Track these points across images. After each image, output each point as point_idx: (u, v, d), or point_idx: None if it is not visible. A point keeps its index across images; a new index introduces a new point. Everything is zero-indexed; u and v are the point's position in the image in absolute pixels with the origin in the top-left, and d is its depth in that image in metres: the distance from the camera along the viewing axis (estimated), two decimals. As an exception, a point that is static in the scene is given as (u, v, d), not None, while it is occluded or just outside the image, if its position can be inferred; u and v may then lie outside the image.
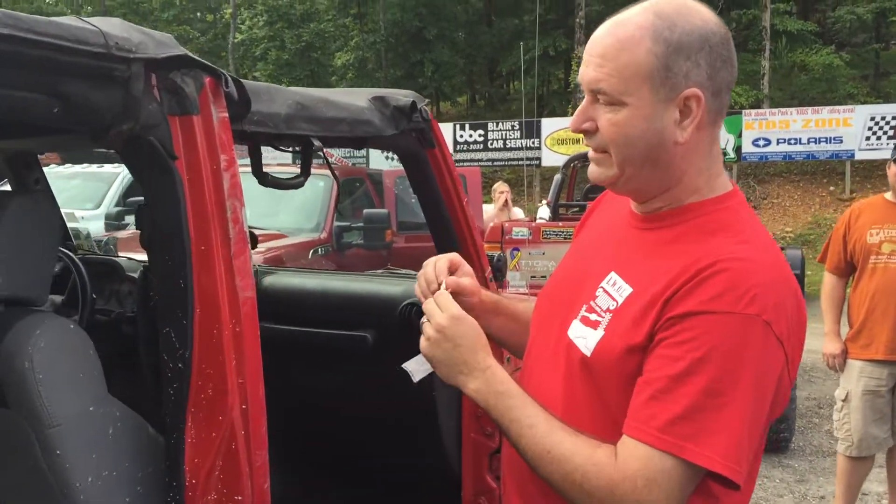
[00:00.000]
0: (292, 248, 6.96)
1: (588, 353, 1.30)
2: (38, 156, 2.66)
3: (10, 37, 1.17)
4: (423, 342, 1.41)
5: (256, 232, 7.25)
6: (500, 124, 19.26)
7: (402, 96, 2.10)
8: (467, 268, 1.61)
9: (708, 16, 1.28)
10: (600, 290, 1.33)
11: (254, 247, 2.89)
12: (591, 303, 1.33)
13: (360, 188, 9.24)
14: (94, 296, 2.59)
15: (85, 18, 1.34)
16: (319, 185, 7.77)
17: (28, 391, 1.36)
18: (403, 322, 2.30)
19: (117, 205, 10.18)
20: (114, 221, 8.65)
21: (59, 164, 11.61)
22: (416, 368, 1.49)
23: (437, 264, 1.56)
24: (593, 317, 1.32)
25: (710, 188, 1.33)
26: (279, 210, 7.60)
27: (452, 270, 1.57)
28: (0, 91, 1.21)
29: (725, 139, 16.66)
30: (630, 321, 1.25)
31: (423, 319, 1.43)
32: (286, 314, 2.47)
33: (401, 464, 2.61)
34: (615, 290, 1.31)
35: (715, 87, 1.28)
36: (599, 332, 1.30)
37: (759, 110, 18.05)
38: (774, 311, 1.18)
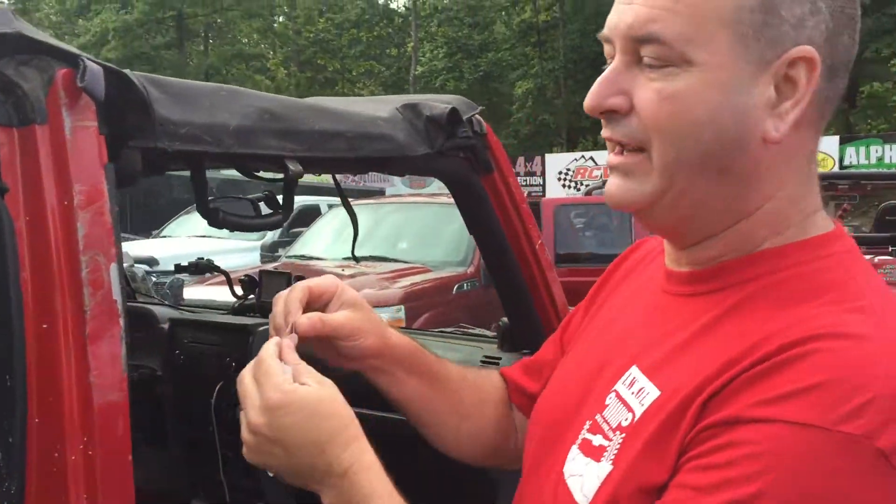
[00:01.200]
0: (435, 283, 6.48)
1: (584, 502, 0.79)
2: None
3: None
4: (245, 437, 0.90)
5: (399, 266, 6.91)
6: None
7: (442, 103, 1.54)
8: (348, 294, 1.04)
9: None
10: (612, 394, 0.83)
11: (230, 285, 2.40)
12: (598, 416, 0.83)
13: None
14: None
15: None
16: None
17: None
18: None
19: (282, 236, 10.20)
20: (268, 253, 8.56)
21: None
22: None
23: (287, 298, 1.00)
24: (598, 440, 0.81)
25: (802, 227, 0.80)
26: (426, 242, 7.19)
27: (316, 301, 1.02)
28: None
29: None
30: (650, 445, 0.75)
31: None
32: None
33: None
34: (634, 394, 0.80)
35: (833, 57, 0.77)
36: (604, 467, 0.78)
37: None
38: None
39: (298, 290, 1.01)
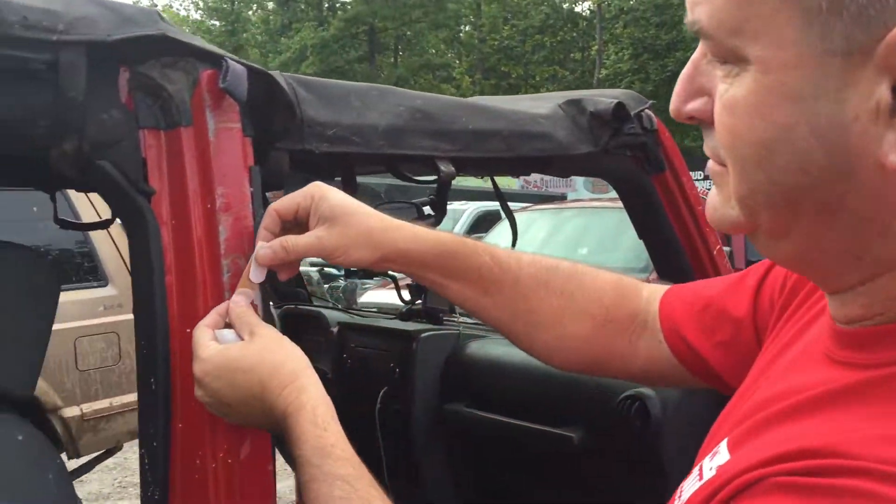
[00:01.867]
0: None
1: None
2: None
3: None
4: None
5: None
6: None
7: (608, 97, 1.43)
8: (325, 205, 0.94)
9: None
10: (699, 465, 0.66)
11: (397, 289, 2.31)
12: (682, 484, 0.67)
13: (705, 224, 8.24)
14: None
15: None
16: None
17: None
18: (621, 421, 1.60)
19: (463, 242, 10.28)
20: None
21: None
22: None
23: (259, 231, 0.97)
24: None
25: None
26: (606, 247, 6.99)
27: (292, 222, 0.96)
28: None
29: None
30: None
31: None
32: (482, 395, 1.88)
33: None
34: (713, 460, 0.64)
35: None
36: None
37: None
38: None
39: (266, 216, 0.95)
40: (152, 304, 0.94)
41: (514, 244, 1.53)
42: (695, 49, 0.62)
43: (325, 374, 2.25)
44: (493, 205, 11.39)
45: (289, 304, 2.54)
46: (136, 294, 0.98)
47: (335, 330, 2.24)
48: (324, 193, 0.94)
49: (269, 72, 1.03)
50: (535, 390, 1.78)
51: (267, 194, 1.08)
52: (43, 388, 3.56)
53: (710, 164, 0.62)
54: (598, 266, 1.05)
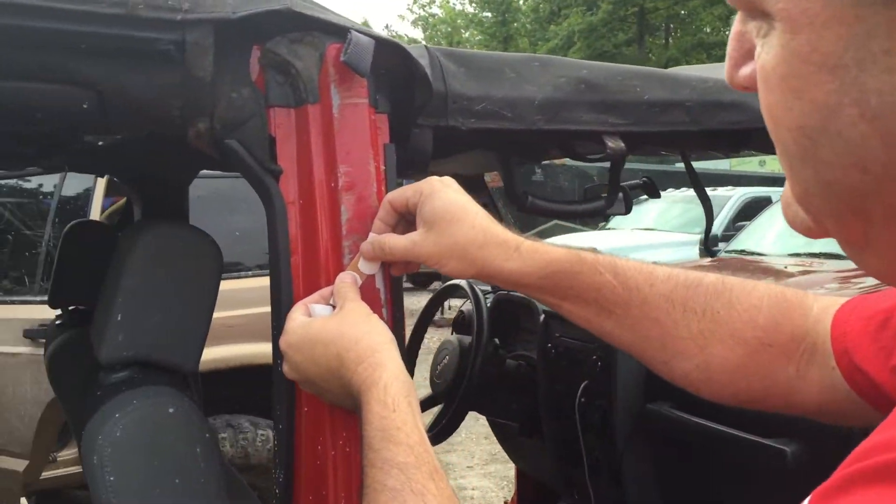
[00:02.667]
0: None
1: None
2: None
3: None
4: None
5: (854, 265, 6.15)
6: None
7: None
8: (427, 208, 0.86)
9: None
10: None
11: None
12: None
13: None
14: (497, 340, 2.18)
15: None
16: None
17: (99, 497, 0.99)
18: (845, 437, 1.38)
19: (727, 230, 9.71)
20: (706, 248, 8.17)
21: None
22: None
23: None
24: None
25: None
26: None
27: (405, 216, 0.90)
28: (12, 83, 0.87)
29: None
30: None
31: None
32: (687, 394, 1.71)
33: None
34: None
35: None
36: None
37: None
38: None
39: (382, 207, 0.90)
40: (280, 285, 0.93)
41: (706, 235, 1.37)
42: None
43: (532, 362, 2.18)
44: (763, 191, 10.65)
45: (502, 290, 2.50)
46: (271, 274, 0.97)
47: (542, 318, 2.16)
48: (433, 192, 0.87)
49: (403, 44, 0.97)
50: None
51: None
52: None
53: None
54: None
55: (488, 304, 2.23)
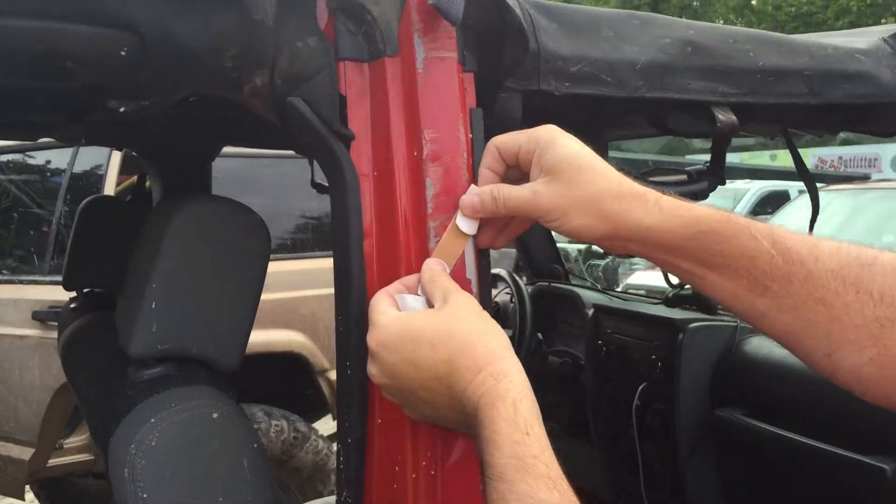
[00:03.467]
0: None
1: None
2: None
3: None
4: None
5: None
6: None
7: (956, 25, 1.07)
8: (549, 155, 0.72)
9: None
10: None
11: (664, 272, 1.97)
12: None
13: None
14: (540, 334, 2.04)
15: None
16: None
17: (127, 507, 0.85)
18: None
19: (746, 221, 9.56)
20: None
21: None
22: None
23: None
24: None
25: None
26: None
27: (514, 166, 0.76)
28: (38, 23, 0.72)
29: None
30: None
31: None
32: (761, 401, 1.56)
33: None
34: None
35: None
36: None
37: None
38: None
39: (487, 153, 0.76)
40: (349, 271, 0.78)
41: (811, 226, 1.22)
42: None
43: (579, 360, 2.04)
44: (781, 184, 10.46)
45: (542, 281, 2.35)
46: (335, 259, 0.82)
47: (590, 312, 2.02)
48: (554, 138, 0.73)
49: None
50: (835, 403, 1.44)
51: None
52: (311, 349, 3.68)
53: None
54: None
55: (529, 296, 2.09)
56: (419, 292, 0.74)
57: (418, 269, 0.77)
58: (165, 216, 0.97)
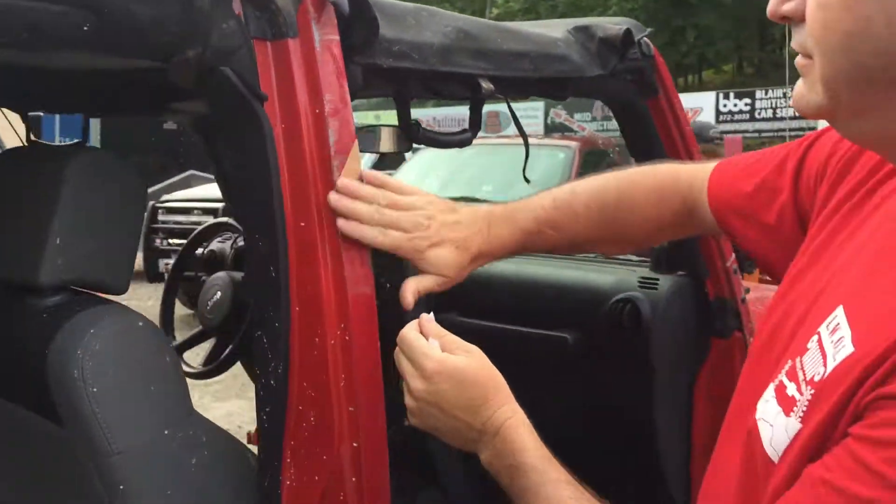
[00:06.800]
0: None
1: (774, 457, 0.73)
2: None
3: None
4: (407, 399, 1.03)
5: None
6: (771, 92, 17.71)
7: (614, 25, 1.57)
8: (428, 258, 1.17)
9: None
10: (815, 337, 0.74)
11: None
12: (798, 360, 0.74)
13: (606, 162, 8.60)
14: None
15: None
16: (559, 156, 7.29)
17: (80, 408, 1.03)
18: (613, 323, 1.79)
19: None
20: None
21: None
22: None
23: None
24: (791, 389, 0.73)
25: None
26: (513, 184, 7.23)
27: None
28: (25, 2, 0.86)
29: None
30: (834, 410, 0.67)
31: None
32: (474, 305, 2.03)
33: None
34: (833, 343, 0.71)
35: None
36: (793, 424, 0.71)
37: None
38: None
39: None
40: (270, 201, 1.04)
41: (524, 170, 1.66)
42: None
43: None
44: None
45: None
46: (247, 193, 1.07)
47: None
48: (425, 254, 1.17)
49: (360, -12, 1.12)
50: (527, 298, 1.95)
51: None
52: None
53: (798, 58, 0.76)
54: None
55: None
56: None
57: (324, 195, 1.05)
58: (57, 166, 1.12)
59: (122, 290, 1.18)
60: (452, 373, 0.99)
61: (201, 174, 11.97)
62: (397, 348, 1.04)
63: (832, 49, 0.69)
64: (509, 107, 1.59)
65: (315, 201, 1.05)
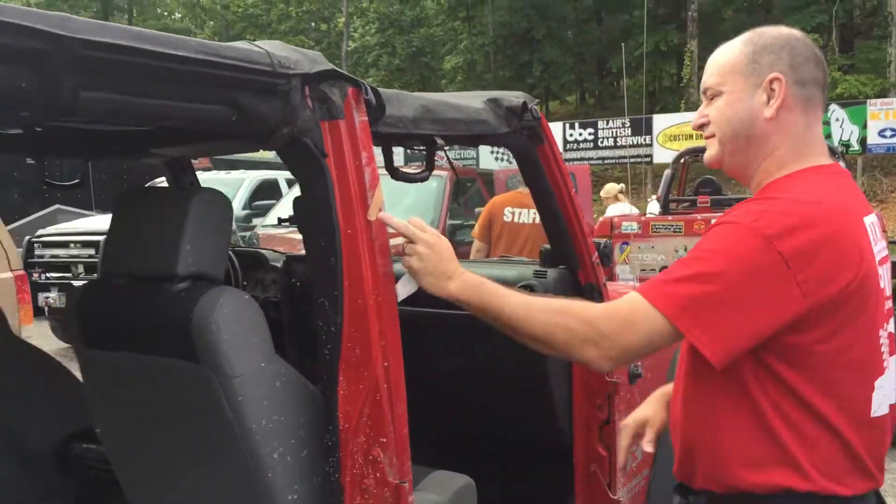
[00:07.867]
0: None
1: None
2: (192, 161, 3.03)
3: (202, 61, 1.47)
4: (412, 260, 1.70)
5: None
6: (611, 122, 19.26)
7: (514, 97, 2.34)
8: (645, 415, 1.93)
9: (795, 31, 1.60)
10: None
11: None
12: None
13: (472, 187, 9.53)
14: (245, 283, 2.94)
15: (254, 42, 1.64)
16: (433, 185, 8.10)
17: (216, 350, 1.67)
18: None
19: (244, 208, 10.85)
20: (242, 223, 9.26)
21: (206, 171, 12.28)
22: (402, 290, 1.78)
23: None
24: None
25: (800, 164, 1.55)
26: (396, 207, 7.98)
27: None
28: (194, 105, 1.52)
29: (850, 131, 16.28)
30: None
31: (406, 243, 1.72)
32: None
33: (514, 435, 2.84)
34: None
35: (798, 77, 1.55)
36: None
37: (885, 100, 17.43)
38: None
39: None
40: (329, 214, 1.71)
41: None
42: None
43: (274, 298, 2.98)
44: (271, 173, 12.01)
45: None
46: (315, 210, 1.74)
47: (280, 265, 2.98)
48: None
49: (371, 85, 1.82)
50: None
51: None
52: None
53: (706, 140, 1.66)
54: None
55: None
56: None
57: (363, 213, 1.73)
58: (184, 199, 1.76)
59: (220, 280, 1.82)
60: (440, 240, 1.71)
61: (67, 208, 12.09)
62: (407, 240, 1.71)
63: (727, 123, 1.60)
64: (445, 153, 2.33)
65: (358, 217, 1.74)
